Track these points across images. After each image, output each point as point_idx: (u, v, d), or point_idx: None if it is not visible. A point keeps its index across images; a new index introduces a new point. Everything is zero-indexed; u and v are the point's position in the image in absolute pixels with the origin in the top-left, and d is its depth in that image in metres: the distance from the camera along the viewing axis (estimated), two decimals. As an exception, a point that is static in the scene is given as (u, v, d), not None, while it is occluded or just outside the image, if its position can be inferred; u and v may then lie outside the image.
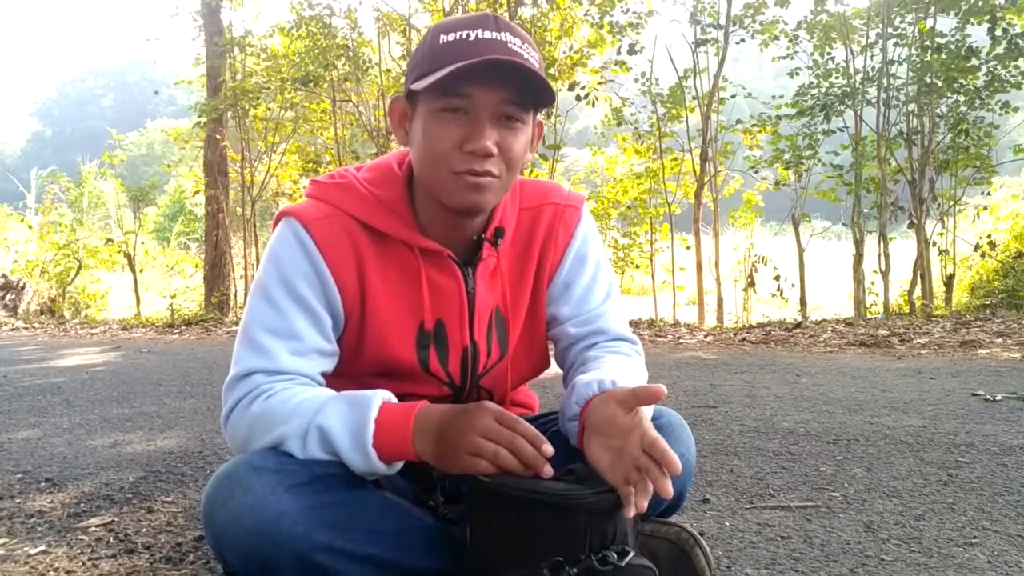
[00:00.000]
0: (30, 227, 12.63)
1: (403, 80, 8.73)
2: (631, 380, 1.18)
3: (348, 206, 1.17)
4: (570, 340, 1.31)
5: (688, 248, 8.41)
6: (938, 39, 6.85)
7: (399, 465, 1.07)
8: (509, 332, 1.27)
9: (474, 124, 1.07)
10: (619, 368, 1.21)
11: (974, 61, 6.64)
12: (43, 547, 1.48)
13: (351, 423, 1.03)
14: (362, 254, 1.16)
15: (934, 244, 7.19)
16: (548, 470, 0.99)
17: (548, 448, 0.99)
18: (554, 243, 1.28)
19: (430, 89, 1.06)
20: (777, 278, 7.89)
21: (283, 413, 1.06)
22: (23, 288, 10.78)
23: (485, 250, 1.22)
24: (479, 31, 1.07)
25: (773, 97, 7.71)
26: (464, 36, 1.07)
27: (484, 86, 1.06)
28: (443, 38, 1.08)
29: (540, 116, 1.20)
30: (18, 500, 1.82)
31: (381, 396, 1.07)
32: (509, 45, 1.07)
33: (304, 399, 1.07)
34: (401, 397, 1.18)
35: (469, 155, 1.07)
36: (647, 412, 1.06)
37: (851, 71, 7.32)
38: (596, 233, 1.36)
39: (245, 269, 9.96)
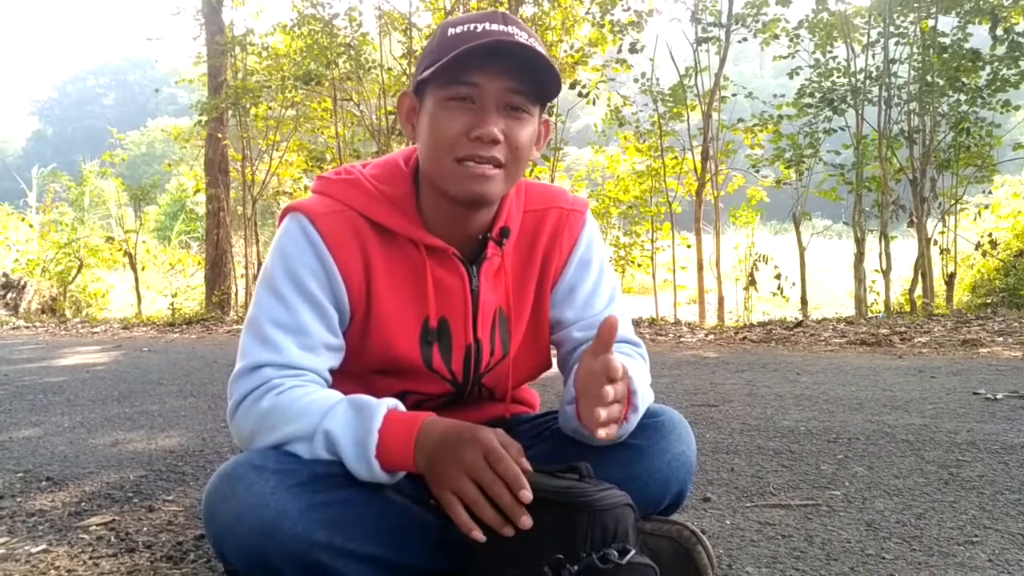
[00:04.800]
0: (31, 226, 12.64)
1: (404, 79, 8.71)
2: (636, 369, 1.18)
3: (354, 202, 1.18)
4: (574, 344, 1.30)
5: (689, 247, 8.41)
6: (940, 39, 6.85)
7: (401, 474, 1.07)
8: (511, 331, 1.27)
9: (480, 112, 1.08)
10: (627, 360, 1.21)
11: (977, 62, 6.64)
12: (44, 546, 1.48)
13: (356, 432, 1.03)
14: (368, 250, 1.17)
15: (935, 243, 7.19)
16: (526, 521, 0.96)
17: (527, 494, 0.96)
18: (558, 247, 1.29)
19: (437, 79, 1.08)
20: (778, 277, 7.89)
21: (292, 412, 1.06)
22: (24, 287, 10.78)
23: (490, 249, 1.22)
24: (487, 24, 1.09)
25: (774, 96, 7.71)
26: (472, 28, 1.09)
27: (490, 74, 1.07)
28: (451, 31, 1.10)
29: (544, 114, 1.21)
30: (19, 499, 1.82)
31: (386, 405, 1.06)
32: (516, 37, 1.08)
33: (313, 399, 1.07)
34: (403, 394, 1.18)
35: (475, 141, 1.08)
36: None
37: (852, 70, 7.32)
38: (600, 238, 1.36)
39: (246, 268, 9.96)
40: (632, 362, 1.23)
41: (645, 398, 1.18)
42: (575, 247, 1.30)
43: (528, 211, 1.28)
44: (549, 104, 1.20)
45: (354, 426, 1.04)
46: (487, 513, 0.97)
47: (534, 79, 1.10)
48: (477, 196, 1.12)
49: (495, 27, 1.08)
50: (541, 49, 1.10)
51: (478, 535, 0.97)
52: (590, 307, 1.30)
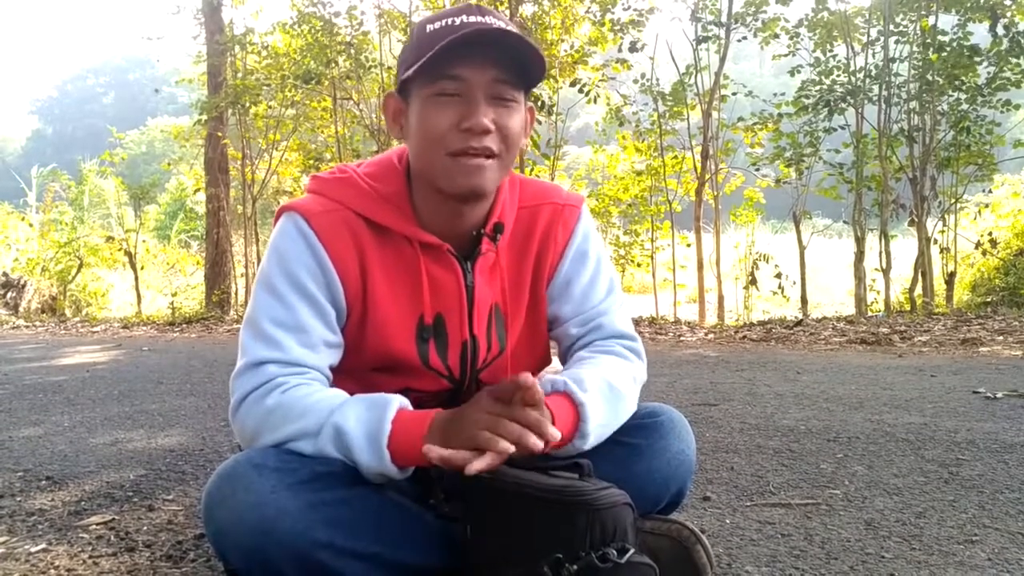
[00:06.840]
0: (31, 225, 12.64)
1: (402, 78, 8.77)
2: (598, 378, 1.16)
3: (349, 200, 1.18)
4: (571, 340, 1.31)
5: (689, 246, 8.41)
6: (940, 37, 6.84)
7: (410, 471, 1.06)
8: (508, 327, 1.27)
9: (469, 104, 1.08)
10: (595, 368, 1.20)
11: (976, 59, 6.64)
12: (44, 545, 1.48)
13: (368, 424, 1.03)
14: (363, 248, 1.17)
15: (935, 242, 7.19)
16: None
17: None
18: (553, 241, 1.28)
19: (422, 76, 1.08)
20: (778, 276, 7.89)
21: (297, 410, 1.06)
22: (24, 286, 10.78)
23: (484, 245, 1.22)
24: (463, 16, 1.09)
25: (774, 95, 7.70)
26: (449, 22, 1.09)
27: (474, 65, 1.07)
28: (429, 28, 1.11)
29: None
30: (19, 498, 1.82)
31: (398, 400, 1.07)
32: (494, 26, 1.08)
33: (321, 397, 1.08)
34: (401, 391, 1.18)
35: (466, 133, 1.08)
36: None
37: (852, 69, 7.32)
38: (596, 231, 1.36)
39: (246, 267, 9.96)
40: (602, 361, 1.23)
41: (590, 394, 1.12)
42: (570, 241, 1.30)
43: (522, 207, 1.28)
44: (535, 94, 1.20)
45: (366, 420, 1.04)
46: (509, 428, 0.97)
47: (518, 66, 1.10)
48: (472, 189, 1.12)
49: (472, 19, 1.08)
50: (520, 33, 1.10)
51: (500, 454, 0.96)
52: (588, 300, 1.30)
